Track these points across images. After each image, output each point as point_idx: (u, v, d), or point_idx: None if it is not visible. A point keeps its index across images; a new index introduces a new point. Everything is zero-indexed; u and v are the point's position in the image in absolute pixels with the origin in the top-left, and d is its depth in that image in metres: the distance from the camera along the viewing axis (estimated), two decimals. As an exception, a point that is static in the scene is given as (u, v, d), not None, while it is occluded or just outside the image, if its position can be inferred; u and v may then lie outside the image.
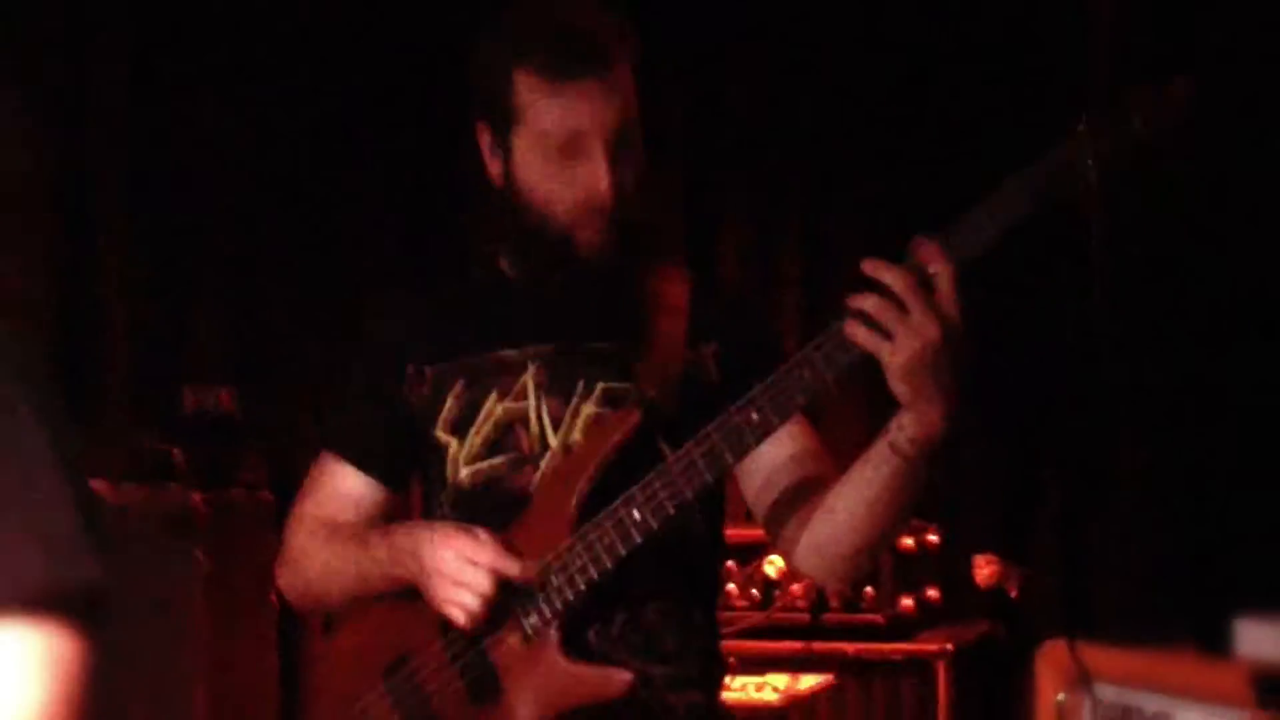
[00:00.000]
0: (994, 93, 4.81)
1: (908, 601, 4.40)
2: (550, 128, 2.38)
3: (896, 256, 2.13)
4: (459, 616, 2.34)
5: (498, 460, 2.47)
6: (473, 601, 2.32)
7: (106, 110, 4.73)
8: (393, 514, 2.62)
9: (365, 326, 2.65)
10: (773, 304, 4.99)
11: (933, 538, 4.49)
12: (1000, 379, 4.78)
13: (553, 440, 2.44)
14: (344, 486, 2.60)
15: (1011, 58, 4.80)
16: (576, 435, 2.43)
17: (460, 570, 2.33)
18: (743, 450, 2.28)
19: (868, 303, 2.11)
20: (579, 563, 2.33)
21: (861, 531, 2.31)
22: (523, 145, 2.42)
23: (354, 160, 4.92)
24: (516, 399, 2.47)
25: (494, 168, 2.48)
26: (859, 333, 2.12)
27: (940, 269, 2.10)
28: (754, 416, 2.25)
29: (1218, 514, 4.56)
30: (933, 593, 4.49)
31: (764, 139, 5.17)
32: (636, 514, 2.30)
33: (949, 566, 4.59)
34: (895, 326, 2.09)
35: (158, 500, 4.01)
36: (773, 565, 4.26)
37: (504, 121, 2.43)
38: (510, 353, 2.49)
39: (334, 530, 2.57)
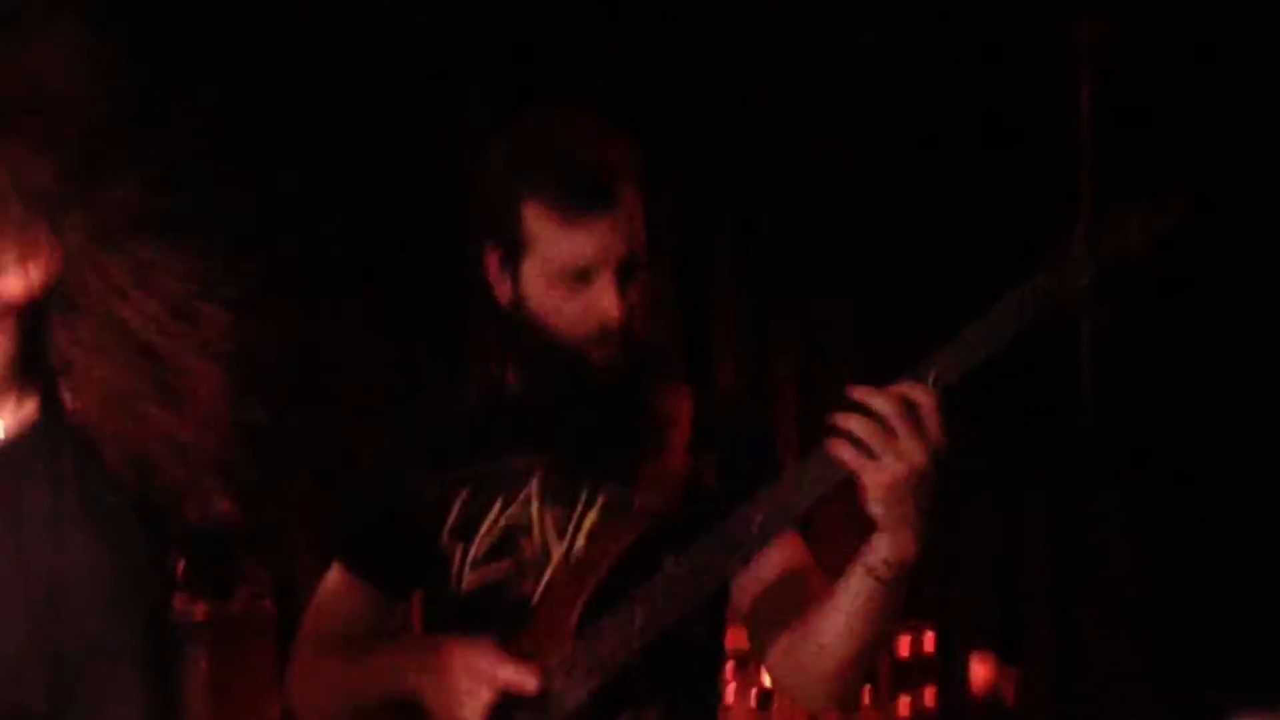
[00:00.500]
0: (986, 199, 4.86)
1: (905, 703, 4.41)
2: (561, 260, 2.41)
3: (888, 368, 2.17)
4: None
5: (501, 564, 2.47)
6: (477, 714, 2.33)
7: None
8: (396, 623, 2.64)
9: (377, 439, 2.69)
10: (768, 411, 4.97)
11: (929, 634, 4.50)
12: (993, 477, 4.82)
13: (555, 549, 2.45)
14: (352, 599, 2.61)
15: (1004, 162, 4.85)
16: (579, 545, 2.45)
17: (465, 683, 2.34)
18: (739, 563, 2.31)
19: (854, 423, 2.14)
20: (581, 670, 2.35)
21: (840, 653, 2.30)
22: (532, 272, 2.44)
23: (351, 277, 4.91)
24: (520, 507, 2.49)
25: (501, 288, 2.49)
26: (845, 452, 2.15)
27: (925, 397, 2.13)
28: (751, 530, 2.27)
29: (1213, 612, 4.58)
30: (929, 695, 4.50)
31: (760, 248, 5.18)
32: (638, 622, 2.32)
33: (945, 668, 4.60)
34: (880, 449, 2.12)
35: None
36: (771, 671, 4.27)
37: (513, 248, 2.45)
38: (516, 461, 2.50)
39: (343, 646, 2.57)
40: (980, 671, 4.57)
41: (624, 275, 2.41)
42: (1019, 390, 4.58)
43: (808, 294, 5.20)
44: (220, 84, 4.61)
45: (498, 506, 2.49)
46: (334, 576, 2.63)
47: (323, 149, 4.81)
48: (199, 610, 3.99)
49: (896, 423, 2.11)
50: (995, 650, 4.71)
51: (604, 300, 2.40)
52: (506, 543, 2.47)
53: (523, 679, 2.32)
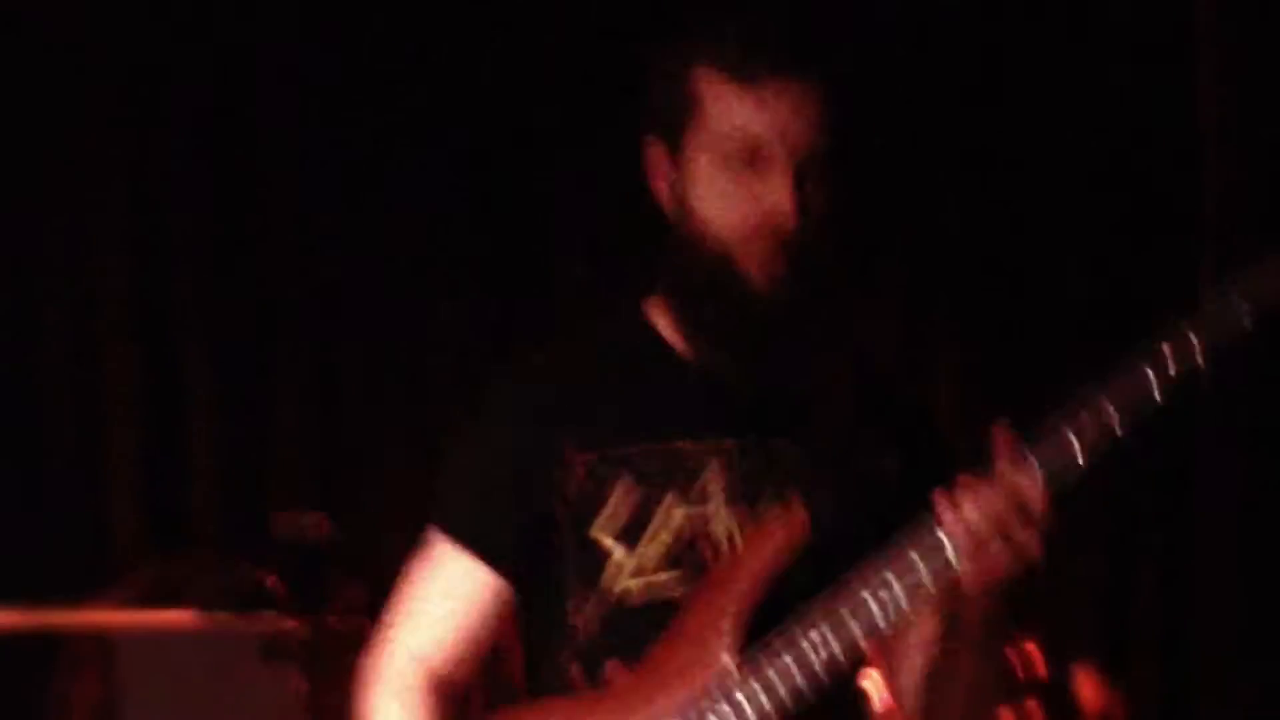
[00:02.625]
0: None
1: (1007, 717, 4.33)
2: (731, 129, 2.12)
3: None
4: None
5: (673, 575, 2.16)
6: None
7: (187, 237, 4.78)
8: (509, 614, 2.26)
9: (495, 397, 2.28)
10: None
11: (1031, 648, 4.42)
12: (1099, 486, 4.74)
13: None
14: (457, 578, 2.24)
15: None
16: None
17: None
18: (946, 575, 2.07)
19: (955, 527, 2.02)
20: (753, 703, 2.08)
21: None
22: (696, 149, 2.15)
23: (435, 279, 4.91)
24: (697, 503, 2.17)
25: (663, 188, 2.20)
26: (961, 538, 2.02)
27: (1037, 497, 2.01)
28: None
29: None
30: (1033, 709, 4.41)
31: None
32: (816, 636, 2.07)
33: (1051, 681, 4.52)
34: (992, 548, 2.01)
35: (252, 628, 4.00)
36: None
37: (678, 123, 2.16)
38: (687, 445, 2.18)
39: (425, 708, 2.24)
40: (1086, 687, 4.48)
41: (803, 170, 2.11)
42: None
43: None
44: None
45: (668, 501, 2.17)
46: (435, 547, 2.27)
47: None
48: (294, 628, 3.97)
49: (1009, 520, 2.01)
50: (1102, 667, 4.63)
51: (777, 193, 2.10)
52: (681, 547, 2.17)
53: None
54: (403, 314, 4.86)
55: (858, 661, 2.15)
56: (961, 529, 2.01)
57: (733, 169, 2.12)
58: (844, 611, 2.07)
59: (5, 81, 4.63)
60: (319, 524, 4.25)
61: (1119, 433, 2.03)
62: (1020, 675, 4.36)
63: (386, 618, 2.28)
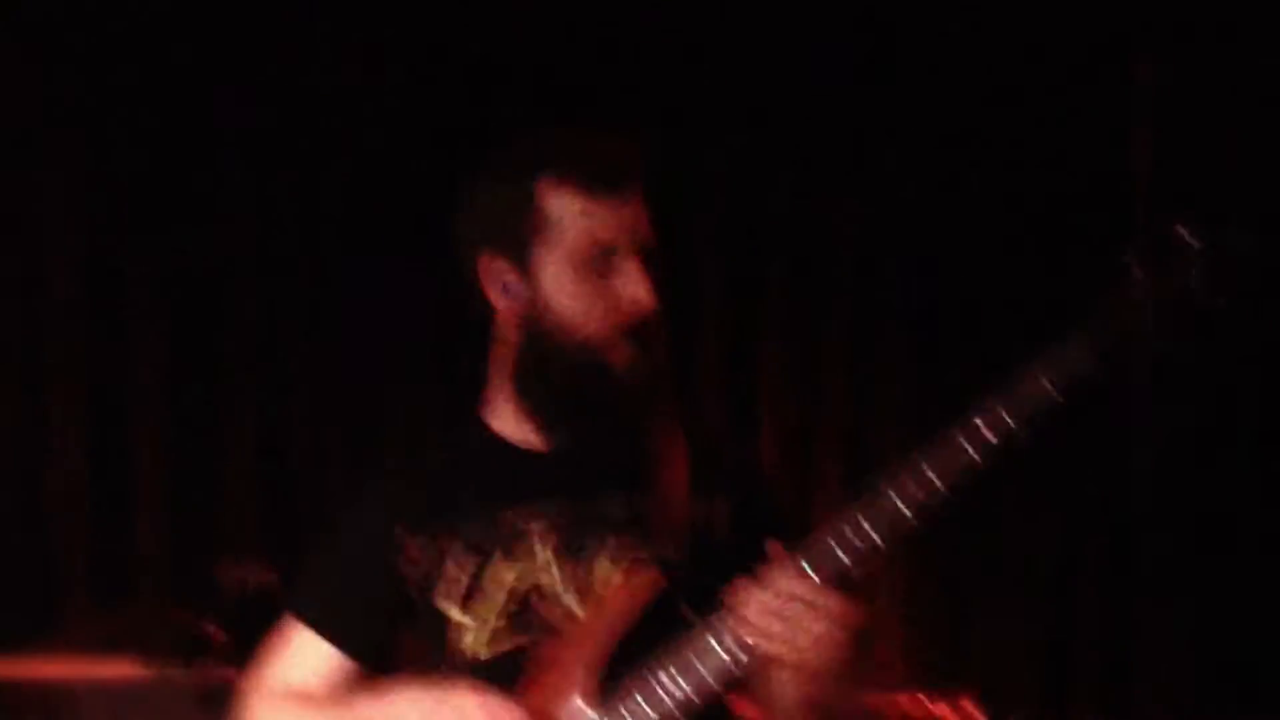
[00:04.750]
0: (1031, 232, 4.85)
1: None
2: (585, 238, 2.27)
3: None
4: None
5: (511, 628, 2.30)
6: None
7: (140, 281, 4.80)
8: (356, 689, 2.39)
9: (353, 498, 2.47)
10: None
11: (968, 704, 4.44)
12: (1037, 538, 4.78)
13: (573, 604, 2.30)
14: (307, 655, 2.40)
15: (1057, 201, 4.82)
16: (594, 595, 2.29)
17: None
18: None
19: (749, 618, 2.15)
20: None
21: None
22: (551, 261, 2.29)
23: (385, 331, 4.92)
24: (524, 560, 2.31)
25: (502, 303, 2.33)
26: (757, 637, 2.16)
27: (804, 589, 2.14)
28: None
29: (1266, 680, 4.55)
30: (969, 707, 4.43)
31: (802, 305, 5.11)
32: (666, 679, 2.22)
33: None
34: (785, 642, 2.14)
35: (196, 677, 4.00)
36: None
37: (525, 239, 2.29)
38: (509, 513, 2.33)
39: (303, 697, 2.38)
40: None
41: (648, 264, 2.29)
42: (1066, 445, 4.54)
43: (797, 333, 5.10)
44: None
45: (504, 566, 2.31)
46: (291, 631, 2.42)
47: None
48: (235, 677, 3.96)
49: (789, 612, 2.13)
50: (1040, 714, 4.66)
51: (635, 285, 2.28)
52: (515, 602, 2.31)
53: None
54: (353, 366, 4.87)
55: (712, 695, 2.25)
56: (740, 623, 2.16)
57: (590, 273, 2.28)
58: (692, 659, 2.21)
59: None
60: (262, 573, 4.26)
61: (944, 492, 2.15)
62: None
63: (253, 676, 2.44)
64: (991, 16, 4.81)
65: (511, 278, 2.32)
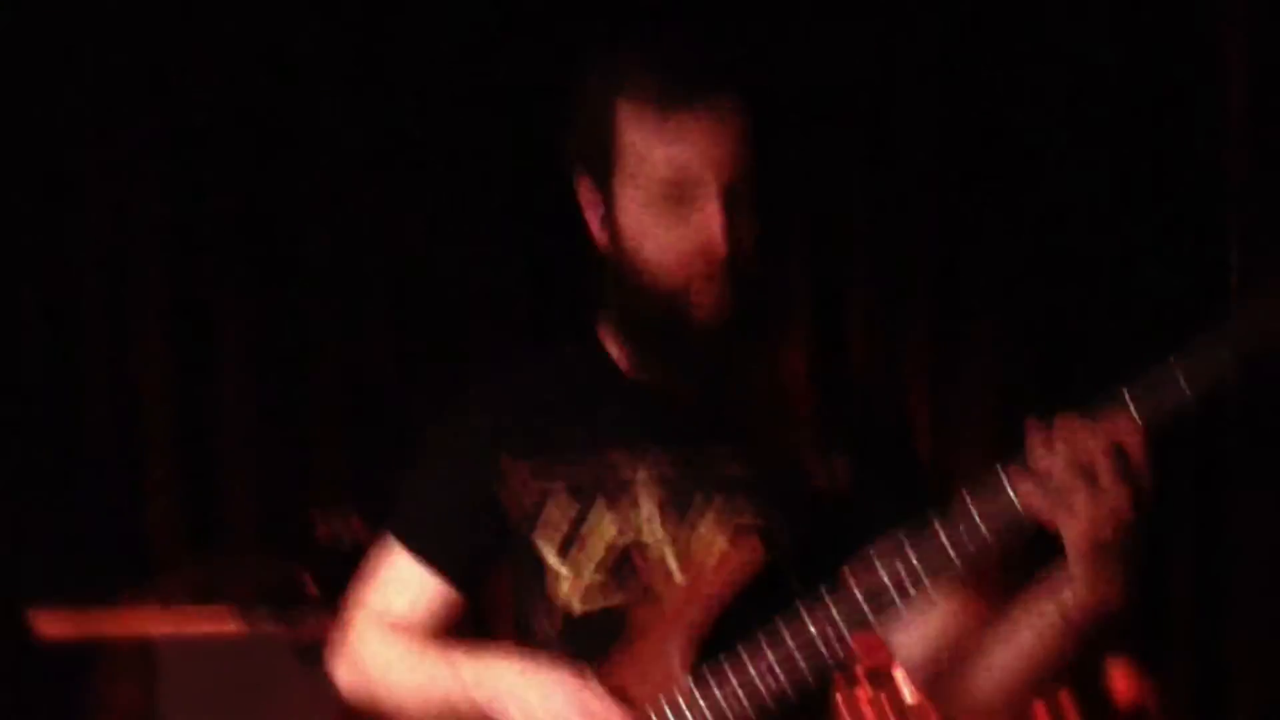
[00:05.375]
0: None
1: (1041, 710, 4.32)
2: (656, 169, 2.09)
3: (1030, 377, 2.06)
4: None
5: (608, 584, 2.19)
6: None
7: (226, 238, 4.81)
8: (459, 618, 2.35)
9: (452, 410, 2.34)
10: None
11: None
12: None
13: (674, 567, 2.17)
14: (409, 581, 2.33)
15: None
16: (695, 558, 2.16)
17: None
18: (885, 608, 2.05)
19: (1050, 465, 1.92)
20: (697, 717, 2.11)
21: (1012, 695, 2.13)
22: (625, 191, 2.13)
23: (469, 279, 4.92)
24: (627, 511, 2.18)
25: (595, 223, 2.19)
26: (1034, 500, 1.93)
27: (1133, 435, 1.91)
28: (902, 575, 2.03)
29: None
30: (1065, 702, 4.40)
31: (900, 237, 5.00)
32: (764, 665, 2.09)
33: (1083, 674, 4.51)
34: (1080, 496, 1.90)
35: (290, 628, 4.02)
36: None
37: (604, 165, 2.14)
38: (620, 455, 2.20)
39: (409, 636, 2.31)
40: (1120, 680, 4.47)
41: (731, 196, 2.08)
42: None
43: (948, 288, 4.99)
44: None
45: (606, 517, 2.19)
46: (390, 550, 2.35)
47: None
48: (329, 627, 3.98)
49: (1102, 466, 1.90)
50: (1137, 659, 4.63)
51: (708, 226, 2.07)
52: (614, 556, 2.19)
53: None
54: (438, 314, 4.87)
55: (815, 679, 2.14)
56: (1050, 469, 1.93)
57: (661, 206, 2.10)
58: (792, 643, 2.09)
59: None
60: (355, 524, 4.27)
61: (1190, 397, 1.93)
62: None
63: (347, 611, 2.39)
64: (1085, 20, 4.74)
65: (598, 204, 2.19)
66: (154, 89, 4.76)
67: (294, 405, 4.84)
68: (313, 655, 3.93)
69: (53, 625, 4.07)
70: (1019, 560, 2.11)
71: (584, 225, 2.23)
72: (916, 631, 2.21)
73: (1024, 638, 2.07)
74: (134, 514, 4.73)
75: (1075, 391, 1.99)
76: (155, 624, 4.10)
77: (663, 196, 2.10)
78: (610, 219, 2.17)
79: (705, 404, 2.19)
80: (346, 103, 4.83)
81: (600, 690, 2.12)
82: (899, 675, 4.09)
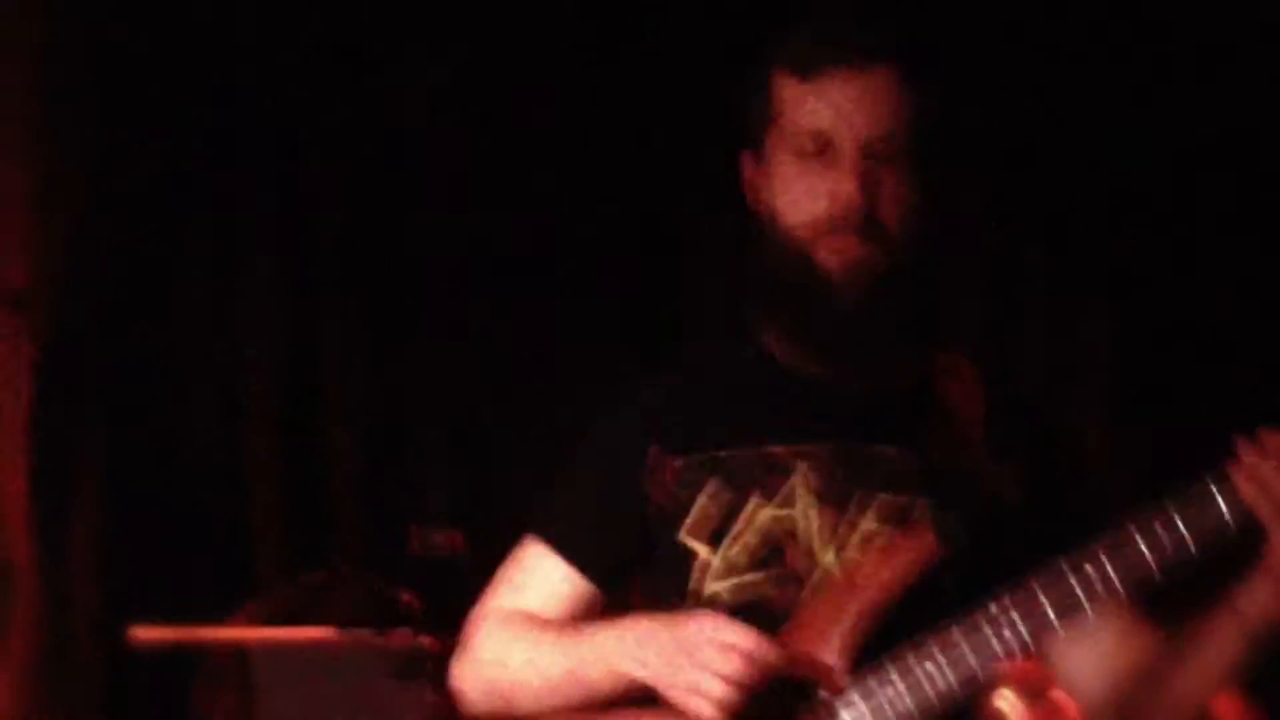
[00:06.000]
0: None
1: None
2: (798, 124, 2.16)
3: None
4: (705, 709, 2.01)
5: (759, 575, 2.15)
6: (724, 692, 2.00)
7: (331, 261, 4.82)
8: (594, 617, 2.29)
9: (603, 407, 2.35)
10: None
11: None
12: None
13: (824, 557, 2.13)
14: (550, 579, 2.29)
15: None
16: (852, 553, 2.12)
17: (716, 656, 2.01)
18: (1073, 618, 2.02)
19: (1265, 472, 1.92)
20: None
21: (1187, 710, 2.09)
22: (774, 149, 2.20)
23: (569, 291, 4.88)
24: (783, 505, 2.15)
25: (754, 195, 2.24)
26: (1257, 505, 1.93)
27: None
28: (1093, 581, 2.00)
29: None
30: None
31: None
32: (932, 667, 2.04)
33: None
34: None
35: (388, 644, 4.01)
36: None
37: (761, 128, 2.22)
38: (776, 449, 2.18)
39: (535, 621, 2.26)
40: (1225, 705, 4.38)
41: (872, 159, 2.11)
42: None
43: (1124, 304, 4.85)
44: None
45: (754, 503, 2.15)
46: (531, 550, 2.31)
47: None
48: (427, 643, 3.97)
49: None
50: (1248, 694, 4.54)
51: (843, 182, 2.11)
52: (767, 548, 2.15)
53: (817, 668, 2.02)
54: (537, 330, 4.85)
55: (978, 691, 2.09)
56: (1262, 473, 1.93)
57: (803, 163, 2.15)
58: (964, 646, 2.04)
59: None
60: (455, 540, 4.26)
61: None
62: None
63: (483, 604, 2.35)
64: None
65: (755, 172, 2.24)
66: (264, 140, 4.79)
67: (395, 422, 4.84)
68: (410, 669, 3.93)
69: (151, 635, 4.08)
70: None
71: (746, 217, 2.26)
72: (1088, 652, 2.17)
73: (1203, 657, 2.05)
74: (237, 533, 4.74)
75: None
76: (256, 635, 4.11)
77: (805, 156, 2.16)
78: (762, 182, 2.22)
79: (869, 398, 2.18)
80: (448, 136, 4.82)
81: (748, 629, 2.05)
82: (1057, 695, 4.00)
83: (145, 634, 4.08)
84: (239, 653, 4.12)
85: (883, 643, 2.06)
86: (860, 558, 2.12)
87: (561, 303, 4.87)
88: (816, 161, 2.15)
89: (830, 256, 2.14)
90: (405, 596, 4.08)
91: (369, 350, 4.84)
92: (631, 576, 2.31)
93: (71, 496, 4.58)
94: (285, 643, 4.08)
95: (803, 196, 2.15)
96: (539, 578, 2.30)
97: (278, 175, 4.83)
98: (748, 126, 2.26)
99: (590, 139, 4.81)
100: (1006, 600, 2.03)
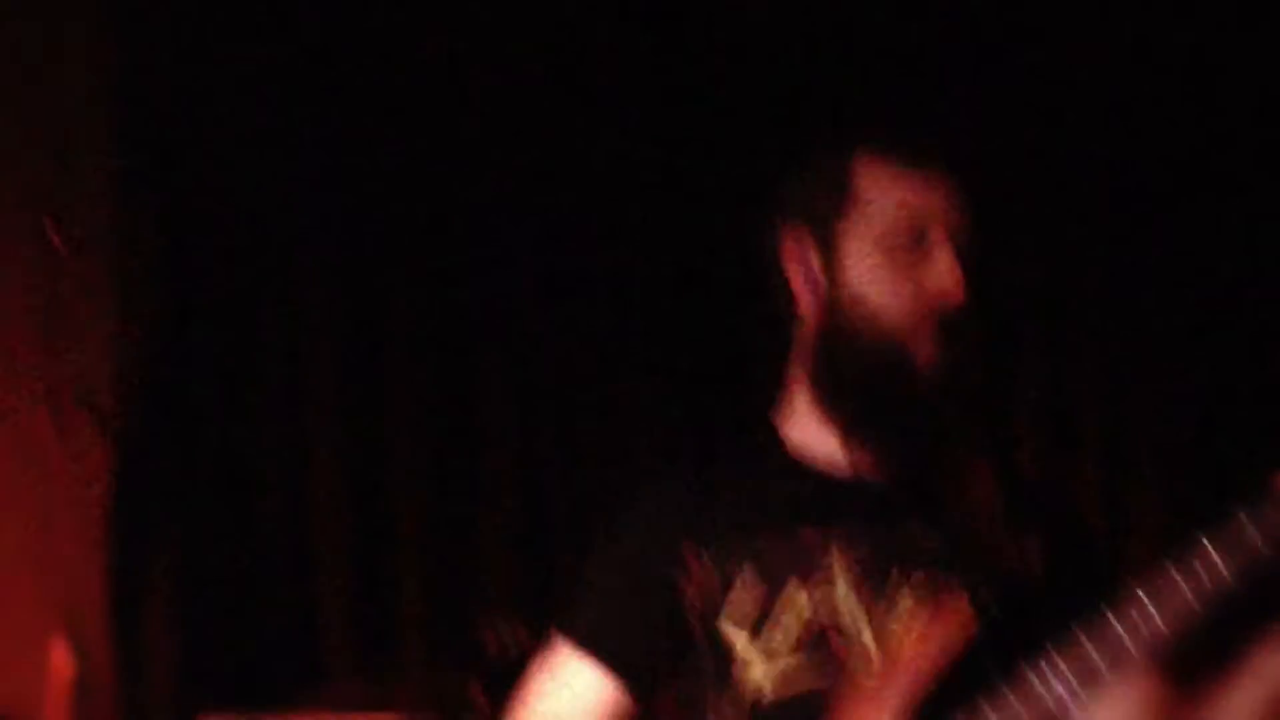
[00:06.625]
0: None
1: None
2: (895, 211, 2.14)
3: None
4: None
5: (800, 660, 2.13)
6: None
7: (396, 346, 4.88)
8: None
9: (626, 503, 2.31)
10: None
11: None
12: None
13: (867, 638, 2.13)
14: (577, 682, 2.24)
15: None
16: (892, 631, 2.12)
17: None
18: (1122, 664, 2.02)
19: None
20: None
21: None
22: (854, 235, 2.16)
23: (636, 394, 4.92)
24: (821, 586, 2.14)
25: (801, 277, 2.20)
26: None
27: None
28: (1137, 623, 1.99)
29: None
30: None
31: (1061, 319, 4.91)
32: None
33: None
34: None
35: (458, 736, 4.04)
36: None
37: (833, 213, 2.17)
38: (809, 531, 2.17)
39: None
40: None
41: (960, 251, 2.11)
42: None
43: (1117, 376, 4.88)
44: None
45: (799, 598, 2.14)
46: (558, 650, 2.28)
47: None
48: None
49: None
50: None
51: (945, 272, 2.10)
52: (808, 631, 2.14)
53: None
54: (606, 426, 4.88)
55: None
56: None
57: (896, 251, 2.13)
58: (1017, 705, 2.03)
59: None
60: (522, 634, 4.28)
61: None
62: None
63: (514, 713, 2.30)
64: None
65: (814, 256, 2.19)
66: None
67: (464, 516, 4.87)
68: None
69: (223, 724, 4.13)
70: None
71: (769, 298, 2.24)
72: (1111, 715, 2.15)
73: (1240, 703, 2.06)
74: (307, 623, 4.77)
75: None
76: (324, 728, 4.14)
77: (898, 244, 2.14)
78: (831, 266, 2.18)
79: (901, 481, 2.17)
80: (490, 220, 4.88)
81: None
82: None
83: (217, 723, 4.12)
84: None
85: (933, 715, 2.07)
86: (901, 635, 2.11)
87: (632, 401, 4.90)
88: (910, 252, 2.13)
89: (922, 348, 2.13)
90: (475, 690, 4.10)
91: (437, 440, 4.87)
92: (664, 680, 2.26)
93: (147, 600, 4.62)
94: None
95: (900, 286, 2.13)
96: (570, 683, 2.26)
97: (345, 271, 4.87)
98: (800, 203, 2.22)
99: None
100: (1054, 655, 2.04)
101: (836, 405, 2.21)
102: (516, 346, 4.90)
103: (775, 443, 2.27)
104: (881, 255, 2.13)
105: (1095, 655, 2.02)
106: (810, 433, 2.25)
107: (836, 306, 2.16)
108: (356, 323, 4.87)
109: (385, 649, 4.74)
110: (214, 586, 4.66)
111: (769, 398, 2.31)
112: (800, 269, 2.20)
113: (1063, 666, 2.02)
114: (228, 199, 4.73)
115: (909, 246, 2.13)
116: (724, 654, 2.17)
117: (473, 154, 4.85)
